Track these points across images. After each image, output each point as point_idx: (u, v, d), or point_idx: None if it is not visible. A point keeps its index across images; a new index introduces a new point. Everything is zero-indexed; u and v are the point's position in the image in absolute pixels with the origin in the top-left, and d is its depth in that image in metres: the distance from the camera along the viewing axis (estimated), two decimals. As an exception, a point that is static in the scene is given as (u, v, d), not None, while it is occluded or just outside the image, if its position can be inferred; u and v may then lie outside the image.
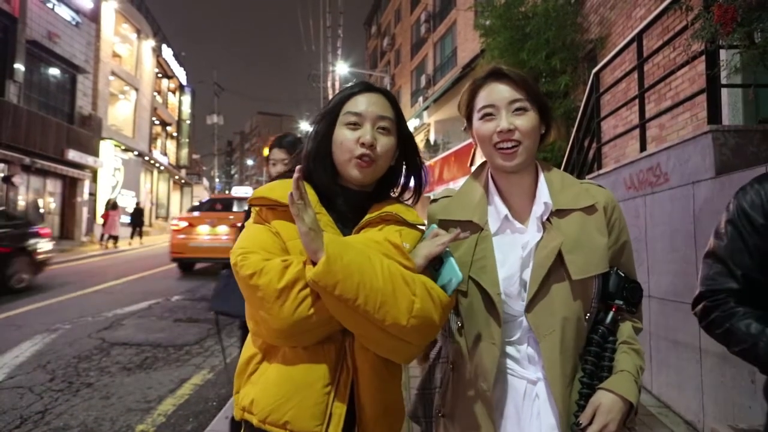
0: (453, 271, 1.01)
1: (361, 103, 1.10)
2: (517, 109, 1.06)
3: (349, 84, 1.18)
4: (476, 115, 1.11)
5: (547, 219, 1.09)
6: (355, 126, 1.09)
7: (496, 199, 1.14)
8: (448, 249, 1.04)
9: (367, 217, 1.09)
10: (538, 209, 1.10)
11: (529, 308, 1.05)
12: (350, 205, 1.13)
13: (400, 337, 0.95)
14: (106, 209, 17.17)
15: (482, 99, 1.10)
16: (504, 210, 1.11)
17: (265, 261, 0.95)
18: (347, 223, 1.11)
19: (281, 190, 1.02)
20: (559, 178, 1.15)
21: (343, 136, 1.09)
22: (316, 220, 0.96)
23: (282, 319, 0.92)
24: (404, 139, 1.16)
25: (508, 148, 1.06)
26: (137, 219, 19.34)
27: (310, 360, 0.99)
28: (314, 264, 0.92)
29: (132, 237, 19.02)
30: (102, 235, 17.18)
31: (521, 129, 1.05)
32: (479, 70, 1.16)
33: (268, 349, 1.04)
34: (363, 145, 1.06)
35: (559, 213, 1.09)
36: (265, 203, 1.08)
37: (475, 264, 1.08)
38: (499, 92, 1.08)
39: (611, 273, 1.09)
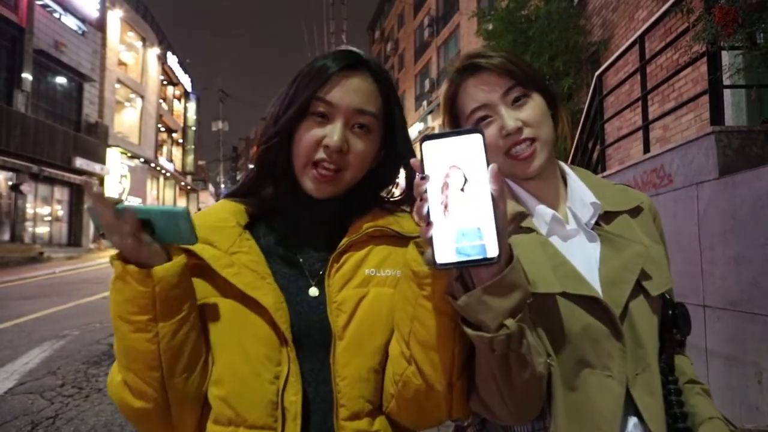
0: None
1: (337, 90, 0.77)
2: (516, 99, 0.81)
3: (329, 52, 0.82)
4: (467, 124, 0.84)
5: (596, 223, 0.84)
6: (322, 119, 0.78)
7: (539, 206, 0.84)
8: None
9: (346, 239, 0.81)
10: (585, 212, 0.83)
11: None
12: (317, 221, 0.84)
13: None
14: None
15: (469, 101, 0.83)
16: (549, 211, 0.83)
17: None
18: (314, 245, 0.84)
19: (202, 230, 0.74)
20: (588, 175, 0.92)
21: (305, 130, 0.78)
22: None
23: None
24: (395, 131, 0.85)
25: (522, 152, 0.81)
26: None
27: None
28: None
29: None
30: None
31: (530, 122, 0.80)
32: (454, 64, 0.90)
33: None
34: (326, 148, 0.77)
35: (606, 217, 0.85)
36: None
37: (558, 271, 0.77)
38: (487, 86, 0.82)
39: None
